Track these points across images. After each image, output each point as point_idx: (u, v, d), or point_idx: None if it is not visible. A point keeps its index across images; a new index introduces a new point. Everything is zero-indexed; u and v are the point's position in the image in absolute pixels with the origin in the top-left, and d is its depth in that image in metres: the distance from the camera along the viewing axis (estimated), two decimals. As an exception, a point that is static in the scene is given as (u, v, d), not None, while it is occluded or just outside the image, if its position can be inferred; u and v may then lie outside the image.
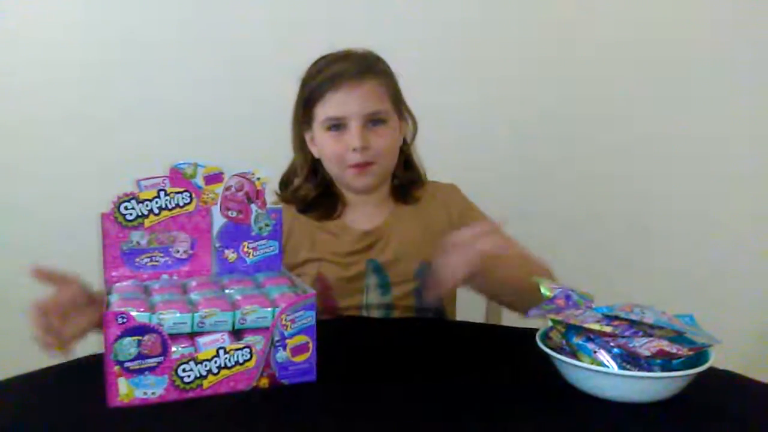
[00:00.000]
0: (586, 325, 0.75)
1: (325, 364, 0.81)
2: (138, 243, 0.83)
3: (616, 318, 0.75)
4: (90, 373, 0.78)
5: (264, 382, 0.77)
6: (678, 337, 0.74)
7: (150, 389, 0.73)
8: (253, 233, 0.87)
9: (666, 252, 1.84)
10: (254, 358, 0.76)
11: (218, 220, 0.86)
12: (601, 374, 0.73)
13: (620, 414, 0.72)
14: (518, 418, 0.72)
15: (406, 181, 1.21)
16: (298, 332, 0.78)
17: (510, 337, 0.98)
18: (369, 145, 1.11)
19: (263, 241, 0.88)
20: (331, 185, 1.21)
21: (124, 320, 0.71)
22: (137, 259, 0.84)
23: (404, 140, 1.22)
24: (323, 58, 1.16)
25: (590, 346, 0.75)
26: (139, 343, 0.72)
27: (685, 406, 0.73)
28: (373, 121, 1.12)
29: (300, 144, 1.22)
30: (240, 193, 0.86)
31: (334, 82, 1.12)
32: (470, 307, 1.23)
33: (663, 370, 0.73)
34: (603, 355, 0.74)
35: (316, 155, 1.19)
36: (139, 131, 1.77)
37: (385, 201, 1.20)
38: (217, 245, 0.86)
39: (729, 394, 0.79)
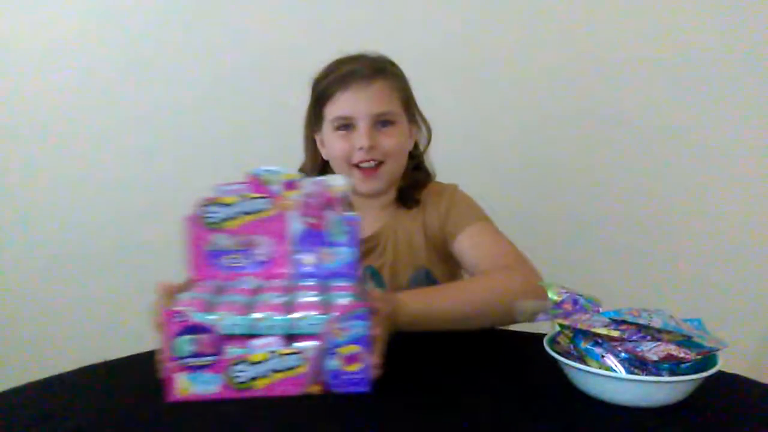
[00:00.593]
0: (593, 330, 0.75)
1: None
2: (220, 245, 0.87)
3: (624, 322, 0.75)
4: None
5: (316, 389, 0.78)
6: (686, 341, 0.74)
7: (206, 386, 0.76)
8: (329, 240, 0.88)
9: (667, 253, 1.84)
10: (306, 364, 0.77)
11: (296, 226, 0.87)
12: (609, 379, 0.73)
13: (628, 418, 0.72)
14: (526, 422, 0.72)
15: (411, 182, 1.21)
16: (351, 341, 0.77)
17: (517, 341, 0.98)
18: (377, 145, 1.12)
19: (339, 248, 0.89)
20: None
21: (182, 319, 0.74)
22: (219, 260, 0.87)
23: (416, 146, 1.23)
24: (336, 60, 1.17)
25: (598, 350, 0.75)
26: (196, 342, 0.74)
27: (693, 410, 0.73)
28: (382, 122, 1.13)
29: (310, 146, 1.23)
30: (316, 201, 0.87)
31: (344, 81, 1.13)
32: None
33: (671, 374, 0.73)
34: (611, 360, 0.74)
35: (325, 157, 1.19)
36: (139, 135, 1.79)
37: (389, 205, 1.20)
38: (295, 250, 0.88)
39: (737, 398, 0.79)
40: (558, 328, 0.81)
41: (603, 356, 0.75)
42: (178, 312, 0.74)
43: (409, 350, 0.93)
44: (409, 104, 1.19)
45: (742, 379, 0.83)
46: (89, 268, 1.84)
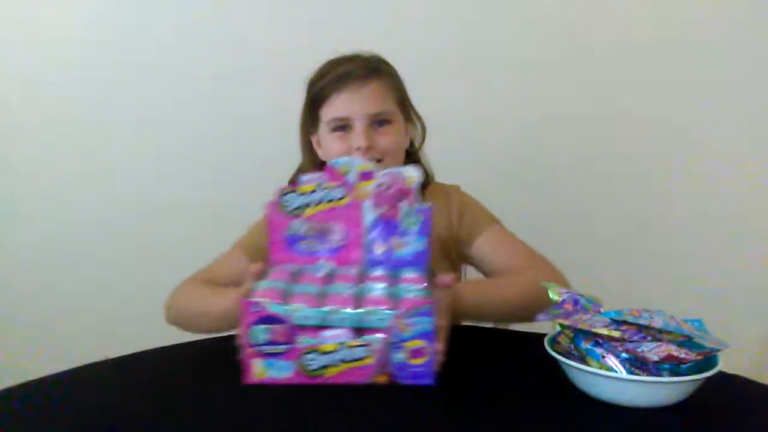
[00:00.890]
0: (594, 330, 0.75)
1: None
2: (298, 230, 0.92)
3: (625, 322, 0.75)
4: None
5: (383, 379, 0.81)
6: (686, 342, 0.74)
7: (279, 372, 0.80)
8: (401, 229, 0.91)
9: (668, 253, 1.84)
10: (373, 356, 0.80)
11: (369, 215, 0.91)
12: (609, 379, 0.73)
13: (629, 419, 0.72)
14: (526, 422, 0.72)
15: None
16: (416, 336, 0.80)
17: (518, 341, 0.98)
18: (374, 145, 1.12)
19: (410, 237, 0.92)
20: None
21: (258, 309, 0.79)
22: (297, 245, 0.92)
23: (411, 143, 1.23)
24: (329, 61, 1.18)
25: (598, 350, 0.75)
26: (270, 331, 0.79)
27: (693, 410, 0.73)
28: (378, 121, 1.14)
29: (306, 147, 1.23)
30: (390, 191, 0.90)
31: (339, 83, 1.13)
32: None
33: (671, 374, 0.73)
34: (611, 360, 0.74)
35: (322, 158, 1.19)
36: (139, 135, 1.79)
37: None
38: (368, 238, 0.92)
39: (738, 398, 0.79)
40: (559, 328, 0.81)
41: (604, 356, 0.75)
42: (255, 303, 0.79)
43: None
44: (404, 102, 1.20)
45: (743, 379, 0.83)
46: (89, 267, 1.84)
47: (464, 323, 1.21)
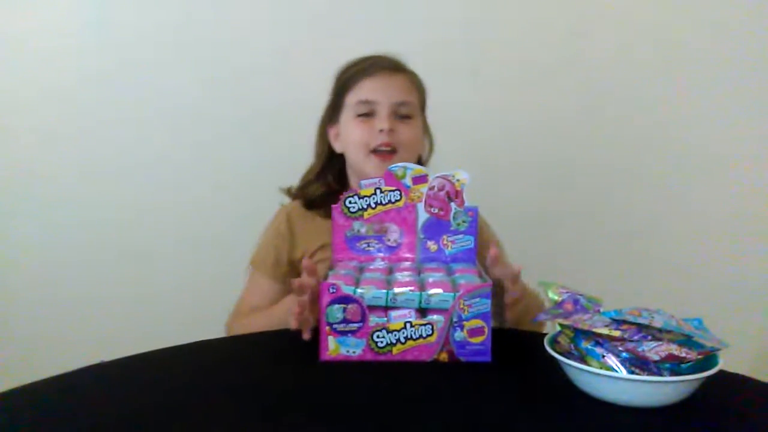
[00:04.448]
0: (594, 330, 0.75)
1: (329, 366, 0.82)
2: (358, 231, 1.00)
3: (625, 322, 0.75)
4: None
5: (444, 356, 0.87)
6: (687, 341, 0.74)
7: (351, 348, 0.87)
8: (452, 228, 1.00)
9: (669, 253, 1.84)
10: (435, 334, 0.87)
11: (422, 216, 1.00)
12: (610, 379, 0.73)
13: (629, 418, 0.72)
14: (526, 422, 0.72)
15: None
16: (475, 316, 0.86)
17: (518, 341, 0.98)
18: (396, 130, 1.15)
19: (460, 236, 1.00)
20: (341, 186, 1.23)
21: (334, 290, 0.86)
22: (357, 244, 1.01)
23: (419, 157, 1.26)
24: (361, 56, 1.22)
25: (599, 350, 0.75)
26: (344, 310, 0.86)
27: (694, 410, 0.73)
28: (401, 115, 1.17)
29: (321, 144, 1.26)
30: (441, 193, 0.98)
31: (370, 69, 1.18)
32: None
33: (672, 374, 0.73)
34: (612, 360, 0.74)
35: (339, 149, 1.22)
36: (139, 136, 1.79)
37: None
38: (421, 237, 1.00)
39: (739, 397, 0.79)
40: (559, 328, 0.81)
41: (604, 356, 0.75)
42: (332, 284, 0.86)
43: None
44: (424, 109, 1.24)
45: (743, 378, 0.83)
46: (90, 268, 1.84)
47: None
